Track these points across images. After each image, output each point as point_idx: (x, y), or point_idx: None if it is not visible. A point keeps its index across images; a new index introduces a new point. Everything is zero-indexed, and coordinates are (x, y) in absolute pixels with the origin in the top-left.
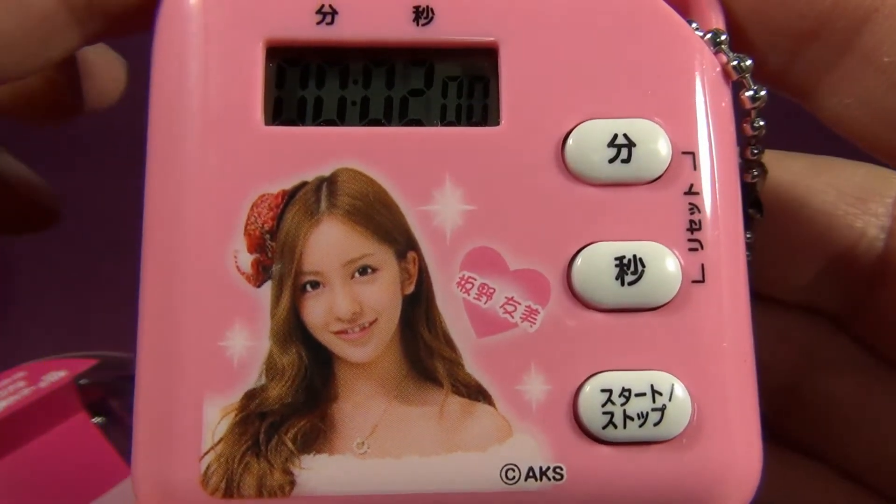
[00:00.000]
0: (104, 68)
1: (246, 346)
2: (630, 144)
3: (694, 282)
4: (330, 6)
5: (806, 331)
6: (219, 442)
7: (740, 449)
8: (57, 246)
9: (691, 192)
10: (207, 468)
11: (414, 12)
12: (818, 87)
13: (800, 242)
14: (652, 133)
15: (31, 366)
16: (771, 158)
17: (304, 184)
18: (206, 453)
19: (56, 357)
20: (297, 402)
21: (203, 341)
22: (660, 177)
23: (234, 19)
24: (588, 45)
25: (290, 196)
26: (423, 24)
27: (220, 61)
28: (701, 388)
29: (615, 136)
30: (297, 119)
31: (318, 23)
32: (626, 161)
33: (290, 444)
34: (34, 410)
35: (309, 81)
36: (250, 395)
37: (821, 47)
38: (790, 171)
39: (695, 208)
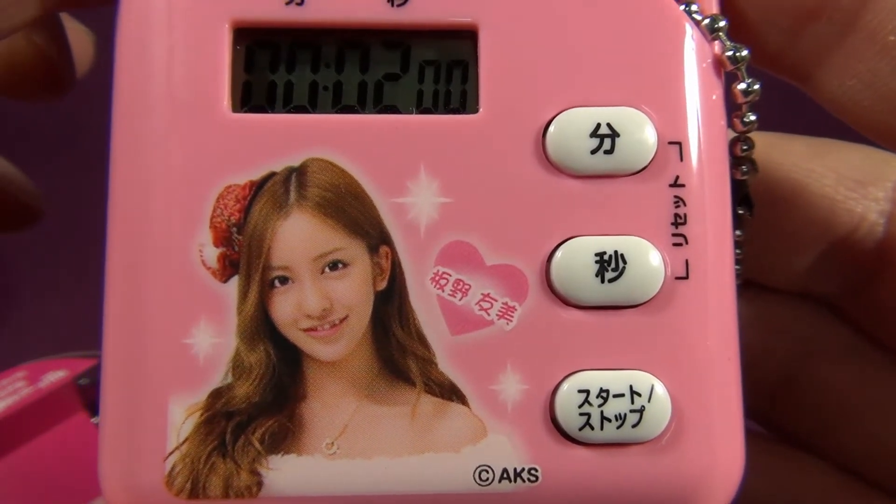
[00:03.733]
0: (71, 40)
1: (212, 343)
2: (614, 134)
3: (678, 278)
4: None
5: (803, 319)
6: (184, 442)
7: (722, 450)
8: (57, 246)
9: (677, 184)
10: (172, 469)
11: None
12: (819, 68)
13: (799, 227)
14: (637, 122)
15: (31, 366)
16: (771, 141)
17: (272, 174)
18: (170, 453)
19: (56, 357)
20: (265, 402)
21: (168, 338)
22: (644, 168)
23: None
24: (572, 27)
25: (257, 187)
26: (399, 5)
27: (185, 43)
28: (682, 388)
29: (598, 125)
30: (267, 105)
31: (288, 3)
32: (610, 152)
33: (257, 445)
34: (34, 410)
35: (279, 65)
36: (216, 394)
37: (823, 26)
38: (790, 154)
39: (680, 201)
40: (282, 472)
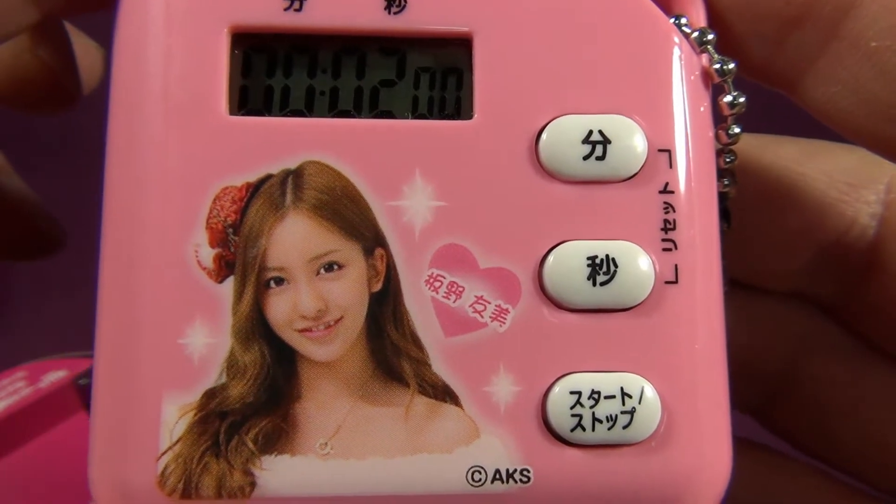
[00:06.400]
0: (80, 55)
1: (206, 343)
2: (605, 141)
3: (667, 282)
4: None
5: (799, 318)
6: (177, 442)
7: (710, 452)
8: None
9: (666, 190)
10: (165, 469)
11: (388, 2)
12: (805, 75)
13: (791, 230)
14: (628, 129)
15: (31, 366)
16: (762, 143)
17: (269, 176)
18: (163, 453)
19: (56, 357)
20: (259, 402)
21: (162, 338)
22: (635, 174)
23: (197, 3)
24: (565, 37)
25: (254, 189)
26: (396, 13)
27: (183, 47)
28: (671, 390)
29: (590, 132)
30: (264, 109)
31: (286, 9)
32: (601, 158)
33: (250, 445)
34: (34, 410)
35: (276, 70)
36: (210, 394)
37: (807, 34)
38: (782, 156)
39: (669, 207)
40: (275, 472)
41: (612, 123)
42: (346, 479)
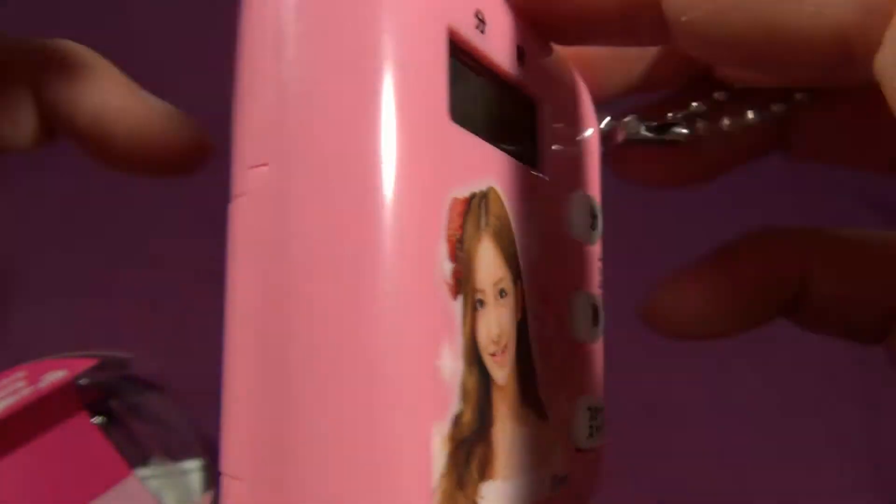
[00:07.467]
0: None
1: (451, 365)
2: (596, 216)
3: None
4: (482, 15)
5: None
6: (442, 476)
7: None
8: (57, 245)
9: (601, 258)
10: None
11: (518, 51)
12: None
13: None
14: (598, 209)
15: (31, 366)
16: None
17: (473, 195)
18: (434, 492)
19: (56, 357)
20: (477, 428)
21: (423, 360)
22: (595, 244)
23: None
24: (574, 124)
25: (468, 205)
26: (521, 65)
27: (414, 45)
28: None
29: (591, 207)
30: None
31: (476, 27)
32: (594, 228)
33: (475, 473)
34: (34, 410)
35: (458, 83)
36: (456, 421)
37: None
38: None
39: (601, 270)
40: (488, 500)
41: (595, 203)
42: (508, 498)
